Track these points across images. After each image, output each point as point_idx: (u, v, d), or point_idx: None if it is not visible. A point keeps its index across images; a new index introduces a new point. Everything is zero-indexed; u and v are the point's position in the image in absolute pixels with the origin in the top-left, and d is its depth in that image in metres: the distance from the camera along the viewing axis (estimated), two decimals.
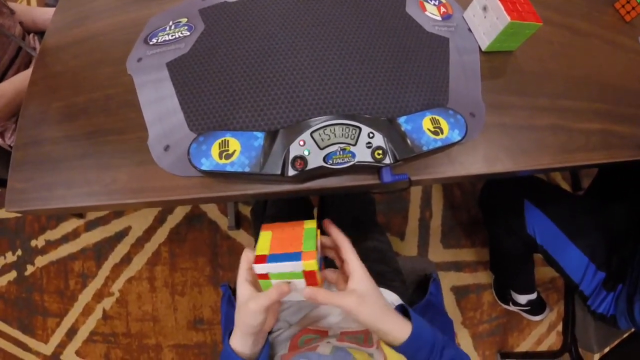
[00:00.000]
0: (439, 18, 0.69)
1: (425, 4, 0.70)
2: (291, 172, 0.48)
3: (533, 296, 1.29)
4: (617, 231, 0.86)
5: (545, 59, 0.72)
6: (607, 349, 0.96)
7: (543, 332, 1.42)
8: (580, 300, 0.91)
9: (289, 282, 0.44)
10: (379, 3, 0.68)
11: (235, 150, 0.50)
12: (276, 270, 0.43)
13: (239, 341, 0.46)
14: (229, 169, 0.49)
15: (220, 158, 0.49)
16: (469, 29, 0.70)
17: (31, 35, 1.02)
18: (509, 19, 0.61)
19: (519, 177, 1.00)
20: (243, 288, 0.45)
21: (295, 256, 0.42)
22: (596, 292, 0.85)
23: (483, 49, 0.68)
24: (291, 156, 0.49)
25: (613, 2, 0.84)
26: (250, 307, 0.43)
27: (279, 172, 0.49)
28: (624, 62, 0.77)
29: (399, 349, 0.45)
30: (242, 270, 0.46)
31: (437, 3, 0.71)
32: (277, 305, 0.50)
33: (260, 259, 0.43)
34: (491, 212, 1.12)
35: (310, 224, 0.47)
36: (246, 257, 0.47)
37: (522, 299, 1.29)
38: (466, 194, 1.51)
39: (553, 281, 1.45)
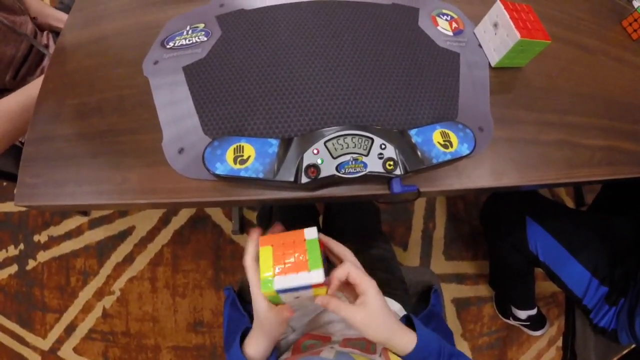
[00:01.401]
0: (451, 33, 0.71)
1: (438, 18, 0.71)
2: (304, 179, 0.49)
3: (533, 312, 1.29)
4: (620, 245, 0.87)
5: (553, 75, 0.73)
6: None
7: (543, 346, 1.42)
8: (583, 314, 0.91)
9: (297, 297, 0.45)
10: (392, 16, 0.69)
11: (249, 156, 0.51)
12: (284, 289, 0.42)
13: (262, 348, 0.48)
14: (243, 174, 0.50)
15: (235, 163, 0.50)
16: (479, 45, 0.71)
17: (45, 33, 1.03)
18: (519, 36, 0.62)
19: (521, 193, 1.00)
20: (262, 301, 0.46)
21: (304, 277, 0.41)
22: (598, 306, 0.85)
23: (493, 64, 0.69)
24: (305, 164, 0.50)
25: (620, 20, 0.86)
26: (276, 320, 0.46)
27: (292, 179, 0.49)
28: (630, 79, 0.78)
29: (406, 358, 0.45)
30: (254, 279, 0.46)
31: (449, 18, 0.72)
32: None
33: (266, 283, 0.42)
34: (493, 227, 1.12)
35: (311, 235, 0.44)
36: (252, 263, 0.47)
37: (522, 314, 1.29)
38: (469, 207, 1.52)
39: (554, 296, 1.45)
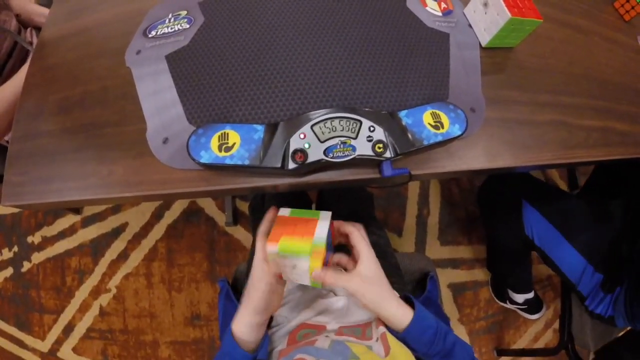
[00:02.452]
0: (440, 13, 0.69)
1: None
2: (291, 165, 0.48)
3: (530, 295, 1.30)
4: (614, 230, 0.87)
5: (545, 55, 0.72)
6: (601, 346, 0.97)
7: (539, 329, 1.43)
8: (578, 300, 0.91)
9: (294, 266, 0.46)
10: None
11: (235, 143, 0.49)
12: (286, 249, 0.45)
13: (246, 323, 0.48)
14: (228, 161, 0.48)
15: (220, 151, 0.49)
16: (470, 25, 0.70)
17: (28, 29, 1.01)
18: (509, 15, 0.61)
19: (517, 176, 1.00)
20: (259, 266, 0.48)
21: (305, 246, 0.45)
22: (594, 293, 0.86)
23: (483, 44, 0.68)
24: (291, 149, 0.48)
25: (612, 1, 0.85)
26: (266, 280, 0.47)
27: (279, 165, 0.48)
28: (624, 60, 0.78)
29: (403, 333, 0.46)
30: (260, 251, 0.48)
31: None
32: (282, 287, 0.52)
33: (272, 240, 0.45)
34: (489, 210, 1.12)
35: (324, 216, 0.49)
36: (262, 237, 0.49)
37: (519, 297, 1.30)
38: (464, 191, 1.51)
39: (550, 279, 1.46)
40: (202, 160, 0.49)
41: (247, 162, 0.48)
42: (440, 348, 0.47)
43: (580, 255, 0.86)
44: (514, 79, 0.68)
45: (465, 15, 0.71)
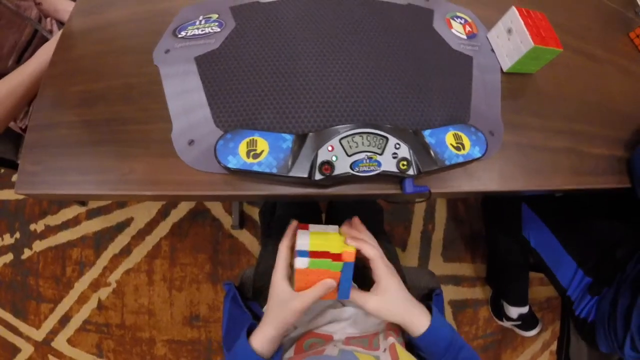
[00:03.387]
0: (464, 36, 0.71)
1: (452, 21, 0.71)
2: (318, 176, 0.49)
3: (525, 310, 1.30)
4: (612, 237, 0.88)
5: (561, 83, 0.73)
6: None
7: (536, 350, 1.43)
8: (565, 308, 0.92)
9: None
10: (408, 17, 0.69)
11: (263, 151, 0.50)
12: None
13: (266, 337, 0.48)
14: (256, 168, 0.49)
15: (248, 157, 0.50)
16: (492, 49, 0.71)
17: (49, 19, 1.01)
18: (533, 43, 0.62)
19: None
20: (283, 286, 0.48)
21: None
22: (581, 297, 0.87)
23: (505, 69, 0.69)
24: (319, 160, 0.49)
25: (628, 32, 0.87)
26: (295, 307, 0.47)
27: (306, 175, 0.49)
28: (636, 91, 0.79)
29: (417, 340, 0.48)
30: (282, 267, 0.49)
31: (463, 22, 0.72)
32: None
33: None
34: (492, 213, 1.15)
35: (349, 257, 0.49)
36: (285, 251, 0.50)
37: (514, 312, 1.30)
38: (469, 208, 1.52)
39: (549, 301, 1.46)
40: (230, 165, 0.49)
41: (274, 170, 0.49)
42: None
43: (572, 260, 0.88)
44: (530, 104, 0.69)
45: (488, 40, 0.72)
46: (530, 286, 1.33)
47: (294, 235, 0.51)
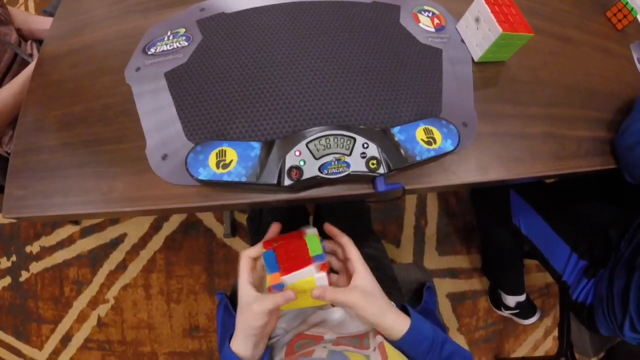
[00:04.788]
0: (432, 30, 0.71)
1: (419, 15, 0.71)
2: (287, 181, 0.49)
3: (522, 298, 1.30)
4: (603, 217, 0.88)
5: (536, 68, 0.73)
6: (602, 354, 0.97)
7: (539, 337, 1.43)
8: (563, 293, 0.92)
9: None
10: (373, 15, 0.69)
11: (232, 160, 0.50)
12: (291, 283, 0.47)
13: (241, 344, 0.47)
14: (226, 178, 0.49)
15: (218, 168, 0.50)
16: (462, 40, 0.71)
17: (29, 42, 1.02)
18: (501, 30, 0.62)
19: None
20: (246, 290, 0.47)
21: (308, 272, 0.47)
22: (577, 281, 0.86)
23: (476, 59, 0.69)
24: (287, 166, 0.49)
25: (605, 11, 0.86)
26: (254, 309, 0.46)
27: (275, 181, 0.49)
28: (616, 70, 0.78)
29: (399, 342, 0.47)
30: (243, 273, 0.49)
31: (430, 15, 0.72)
32: (279, 308, 0.52)
33: (274, 281, 0.47)
34: (481, 203, 1.15)
35: (311, 233, 0.50)
36: (245, 259, 0.49)
37: (511, 300, 1.30)
38: (461, 201, 1.52)
39: (548, 287, 1.46)
40: (201, 177, 0.50)
41: (244, 179, 0.49)
42: (437, 357, 0.48)
43: (566, 245, 0.87)
44: (505, 92, 0.69)
45: (457, 31, 0.72)
46: (528, 273, 1.33)
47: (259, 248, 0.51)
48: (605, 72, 0.77)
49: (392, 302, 0.51)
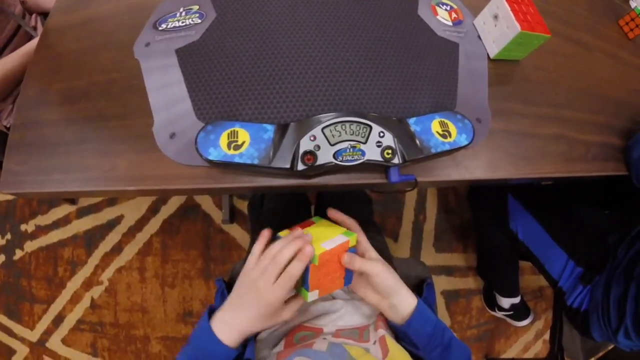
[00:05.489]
0: (450, 23, 0.70)
1: (437, 8, 0.70)
2: (300, 166, 0.48)
3: (516, 300, 1.31)
4: (601, 224, 0.88)
5: (549, 69, 0.73)
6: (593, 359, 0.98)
7: (530, 339, 1.44)
8: (557, 298, 0.92)
9: None
10: (392, 4, 0.68)
11: (244, 142, 0.49)
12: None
13: (235, 337, 0.46)
14: (237, 160, 0.48)
15: (229, 149, 0.49)
16: (479, 36, 0.71)
17: (33, 15, 1.00)
18: (519, 28, 0.61)
19: None
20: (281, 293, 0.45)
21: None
22: (573, 287, 0.86)
23: (491, 56, 0.69)
24: (301, 151, 0.48)
25: (617, 19, 0.86)
26: (284, 317, 0.48)
27: (288, 165, 0.48)
28: (626, 77, 0.79)
29: (405, 325, 0.48)
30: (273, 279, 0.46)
31: (448, 8, 0.71)
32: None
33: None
34: (478, 206, 1.15)
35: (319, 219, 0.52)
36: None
37: (506, 302, 1.31)
38: (460, 198, 1.52)
39: (541, 290, 1.47)
40: (211, 158, 0.48)
41: (256, 162, 0.48)
42: (439, 341, 0.48)
43: (562, 252, 0.87)
44: (518, 91, 0.68)
45: (474, 26, 0.72)
46: (522, 275, 1.34)
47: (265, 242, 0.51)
48: (616, 79, 0.77)
49: None
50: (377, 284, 0.49)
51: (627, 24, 0.85)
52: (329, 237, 0.48)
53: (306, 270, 0.45)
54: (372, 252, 0.52)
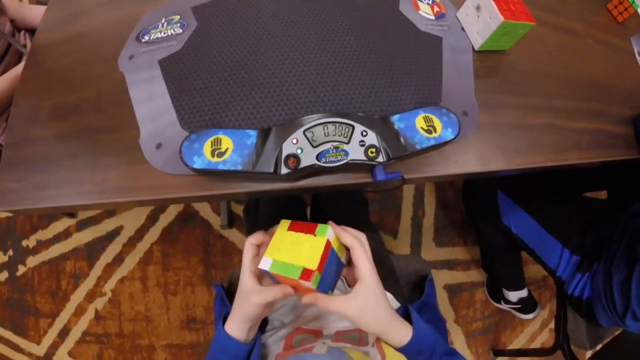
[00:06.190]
0: (433, 17, 0.69)
1: (419, 2, 0.70)
2: (284, 170, 0.48)
3: (524, 293, 1.31)
4: (592, 212, 0.88)
5: (538, 59, 0.72)
6: (599, 346, 0.97)
7: (535, 329, 1.44)
8: (559, 287, 0.92)
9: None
10: (372, 1, 0.68)
11: (227, 149, 0.49)
12: (278, 272, 0.45)
13: (236, 327, 0.49)
14: (221, 167, 0.48)
15: (213, 156, 0.49)
16: (462, 28, 0.70)
17: (22, 32, 1.01)
18: (502, 18, 0.61)
19: None
20: (247, 278, 0.48)
21: (296, 270, 0.43)
22: (571, 276, 0.86)
23: (476, 48, 0.68)
24: (284, 154, 0.48)
25: (606, 3, 0.85)
26: (252, 300, 0.46)
27: (271, 170, 0.48)
28: (616, 63, 0.78)
29: (402, 349, 0.46)
30: (246, 260, 0.49)
31: (430, 2, 0.71)
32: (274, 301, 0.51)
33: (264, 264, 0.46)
34: (471, 205, 1.15)
35: (322, 232, 0.46)
36: (249, 247, 0.50)
37: (513, 296, 1.30)
38: (459, 193, 1.52)
39: (545, 279, 1.46)
40: (195, 166, 0.48)
41: (240, 168, 0.48)
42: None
43: (556, 241, 0.87)
44: (506, 82, 0.68)
45: (458, 19, 0.71)
46: (526, 265, 1.33)
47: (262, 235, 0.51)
48: (606, 65, 0.77)
49: (392, 308, 0.48)
50: (357, 324, 0.45)
51: (615, 7, 0.84)
52: (297, 255, 0.45)
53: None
54: (363, 284, 0.45)
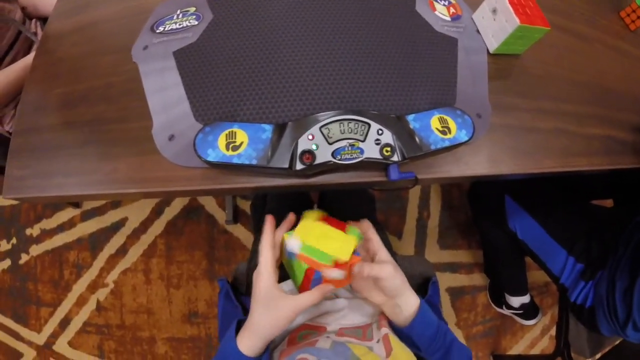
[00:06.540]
0: (448, 18, 0.69)
1: (435, 3, 0.70)
2: (299, 166, 0.48)
3: (526, 299, 1.30)
4: (598, 220, 0.88)
5: (549, 63, 0.72)
6: (599, 355, 0.97)
7: (536, 335, 1.43)
8: (562, 294, 0.92)
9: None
10: (389, 0, 0.68)
11: (242, 142, 0.49)
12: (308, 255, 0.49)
13: (252, 346, 0.46)
14: (235, 161, 0.48)
15: (227, 149, 0.49)
16: (477, 31, 0.70)
17: (33, 20, 1.01)
18: (518, 22, 0.61)
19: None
20: (275, 289, 0.47)
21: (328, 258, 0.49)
22: (575, 283, 0.86)
23: (491, 50, 0.68)
24: (299, 150, 0.48)
25: (618, 10, 0.85)
26: (286, 312, 0.46)
27: (286, 165, 0.48)
28: (627, 69, 0.77)
29: (408, 327, 0.48)
30: (268, 266, 0.48)
31: (446, 3, 0.71)
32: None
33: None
34: (477, 208, 1.15)
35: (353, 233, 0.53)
36: (268, 252, 0.49)
37: (516, 301, 1.30)
38: (464, 195, 1.51)
39: (547, 285, 1.46)
40: (209, 159, 0.48)
41: (254, 162, 0.48)
42: (441, 344, 0.49)
43: (561, 248, 0.87)
44: (518, 85, 0.68)
45: (473, 21, 0.71)
46: (529, 270, 1.33)
47: (272, 231, 0.51)
48: (618, 71, 0.76)
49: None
50: (384, 287, 0.50)
51: (628, 15, 0.84)
52: (328, 245, 0.49)
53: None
54: (382, 253, 0.52)
